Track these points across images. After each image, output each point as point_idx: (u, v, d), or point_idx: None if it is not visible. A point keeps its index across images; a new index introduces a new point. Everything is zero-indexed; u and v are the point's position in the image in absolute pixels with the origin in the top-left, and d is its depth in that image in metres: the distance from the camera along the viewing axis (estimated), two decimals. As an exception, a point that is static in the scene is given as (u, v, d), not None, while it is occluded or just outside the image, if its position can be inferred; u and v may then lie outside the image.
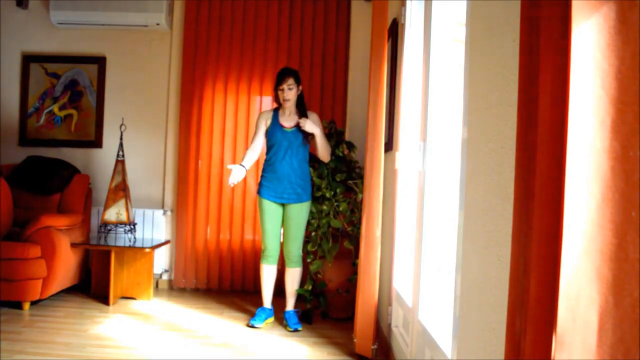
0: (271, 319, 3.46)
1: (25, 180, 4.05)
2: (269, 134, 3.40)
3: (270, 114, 3.44)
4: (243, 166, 3.31)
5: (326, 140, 3.42)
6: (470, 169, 1.45)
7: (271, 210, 3.36)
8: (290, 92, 3.32)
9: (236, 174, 3.25)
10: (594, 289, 0.65)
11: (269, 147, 3.41)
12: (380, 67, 2.71)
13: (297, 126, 3.33)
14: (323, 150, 3.40)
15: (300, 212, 3.36)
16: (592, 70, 0.66)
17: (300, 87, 3.40)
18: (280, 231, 3.43)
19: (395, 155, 2.90)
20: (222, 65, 4.33)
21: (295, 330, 3.29)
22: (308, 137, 3.35)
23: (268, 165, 3.38)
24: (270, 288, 3.47)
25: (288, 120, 3.38)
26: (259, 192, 3.40)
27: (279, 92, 3.34)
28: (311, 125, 3.29)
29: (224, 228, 4.29)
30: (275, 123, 3.38)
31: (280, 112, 3.41)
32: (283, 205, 3.38)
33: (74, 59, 4.47)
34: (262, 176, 3.42)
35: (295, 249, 3.40)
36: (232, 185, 3.31)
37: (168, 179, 4.42)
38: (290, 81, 3.32)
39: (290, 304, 3.45)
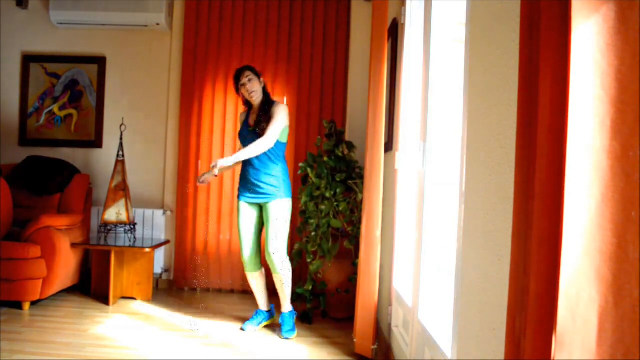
0: (269, 321, 3.36)
1: (25, 180, 4.05)
2: (239, 136, 3.32)
3: (244, 115, 3.34)
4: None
5: (258, 146, 3.05)
6: (470, 169, 1.45)
7: (246, 213, 3.23)
8: (252, 84, 3.17)
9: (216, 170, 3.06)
10: (594, 289, 0.65)
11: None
12: (380, 67, 2.70)
13: (256, 123, 3.16)
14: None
15: (273, 210, 3.13)
16: (592, 71, 0.66)
17: (262, 80, 3.25)
18: (255, 237, 3.26)
19: (395, 155, 2.90)
20: (222, 65, 4.33)
21: (287, 339, 3.11)
22: (258, 128, 3.12)
23: (241, 168, 3.28)
24: (259, 293, 3.32)
25: (254, 118, 3.25)
26: (237, 196, 3.29)
27: (242, 88, 3.20)
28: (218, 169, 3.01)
29: (224, 228, 4.29)
30: (244, 123, 3.29)
31: (251, 111, 3.29)
32: (260, 207, 3.24)
33: (74, 59, 4.47)
34: (239, 180, 3.32)
35: (270, 250, 3.12)
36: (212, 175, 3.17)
37: (168, 179, 4.42)
38: (247, 73, 3.19)
39: (284, 307, 3.25)
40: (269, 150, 3.14)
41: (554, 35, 0.71)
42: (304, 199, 3.55)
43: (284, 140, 3.22)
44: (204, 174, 3.25)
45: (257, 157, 3.14)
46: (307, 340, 3.12)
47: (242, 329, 3.25)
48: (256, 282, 3.31)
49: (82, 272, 4.09)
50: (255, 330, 3.25)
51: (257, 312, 3.33)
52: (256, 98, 3.21)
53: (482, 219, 1.31)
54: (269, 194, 3.14)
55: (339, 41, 4.30)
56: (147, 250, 3.78)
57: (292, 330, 3.19)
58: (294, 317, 3.27)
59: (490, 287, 1.22)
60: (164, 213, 4.35)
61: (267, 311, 3.35)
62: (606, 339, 0.64)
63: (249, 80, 3.18)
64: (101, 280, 3.91)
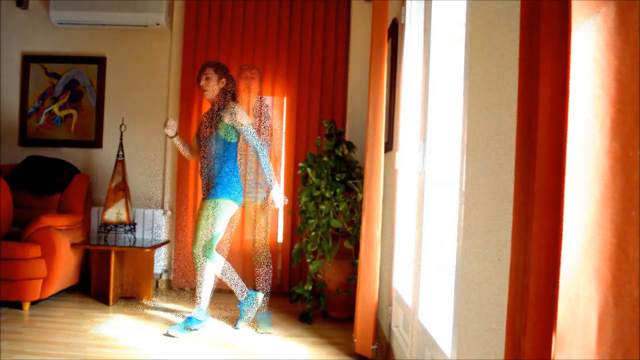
0: (257, 307, 3.33)
1: (25, 180, 4.05)
2: None
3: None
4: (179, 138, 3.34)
5: (266, 163, 3.18)
6: (470, 169, 1.45)
7: (201, 208, 3.27)
8: (207, 82, 3.19)
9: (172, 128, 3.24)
10: (594, 289, 0.65)
11: None
12: (380, 67, 2.70)
13: (207, 121, 3.23)
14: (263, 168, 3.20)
15: (206, 208, 3.20)
16: (592, 70, 0.66)
17: (224, 80, 3.23)
18: (200, 232, 3.25)
19: (395, 155, 2.89)
20: (222, 65, 4.32)
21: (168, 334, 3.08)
22: (216, 125, 3.17)
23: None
24: (232, 286, 3.36)
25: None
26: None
27: (200, 84, 3.24)
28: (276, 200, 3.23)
29: (224, 228, 4.29)
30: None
31: None
32: None
33: (74, 59, 4.47)
34: None
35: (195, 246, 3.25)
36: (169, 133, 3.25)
37: (168, 179, 4.42)
38: (207, 70, 3.21)
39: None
40: (218, 150, 3.18)
41: (554, 35, 0.71)
42: (304, 199, 3.55)
43: (235, 139, 3.23)
44: (172, 124, 3.23)
45: (211, 156, 3.19)
46: (306, 340, 3.12)
47: (236, 327, 3.31)
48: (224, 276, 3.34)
49: (82, 272, 4.09)
50: (248, 323, 3.32)
51: (238, 304, 3.37)
52: (208, 97, 3.25)
53: (482, 219, 1.31)
54: (212, 193, 3.19)
55: (339, 41, 4.30)
56: (147, 250, 3.78)
57: (181, 330, 3.12)
58: (191, 324, 3.18)
59: (490, 287, 1.22)
60: (164, 213, 4.35)
61: (246, 297, 3.33)
62: (606, 339, 0.64)
63: (206, 79, 3.21)
64: (101, 280, 3.91)
